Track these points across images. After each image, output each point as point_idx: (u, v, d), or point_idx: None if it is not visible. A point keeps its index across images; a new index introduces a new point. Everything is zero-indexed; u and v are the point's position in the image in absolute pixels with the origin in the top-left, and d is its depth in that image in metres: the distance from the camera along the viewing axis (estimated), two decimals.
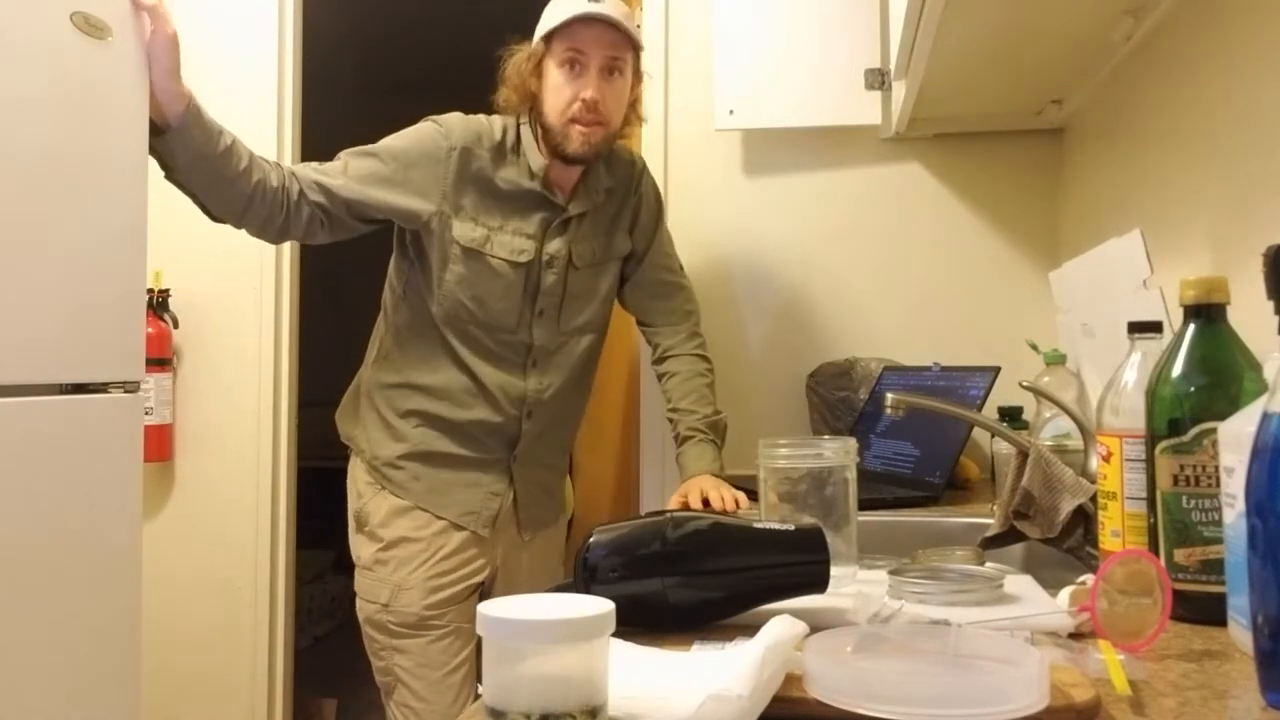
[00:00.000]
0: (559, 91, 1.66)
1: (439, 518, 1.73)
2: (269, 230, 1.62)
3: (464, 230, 1.69)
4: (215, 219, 1.60)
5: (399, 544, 1.72)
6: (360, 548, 1.77)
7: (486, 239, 1.69)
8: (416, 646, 1.70)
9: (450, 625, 1.71)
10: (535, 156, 1.72)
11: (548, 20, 1.68)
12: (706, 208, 2.33)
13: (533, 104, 1.71)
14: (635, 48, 1.71)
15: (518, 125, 1.74)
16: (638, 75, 1.75)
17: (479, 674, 1.97)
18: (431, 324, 1.74)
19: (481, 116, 1.75)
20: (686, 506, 1.61)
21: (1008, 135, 2.23)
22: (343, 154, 1.69)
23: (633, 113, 1.76)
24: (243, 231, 1.64)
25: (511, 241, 1.70)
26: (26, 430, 1.30)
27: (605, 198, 1.81)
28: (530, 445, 1.79)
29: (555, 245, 1.74)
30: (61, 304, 1.35)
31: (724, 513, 1.60)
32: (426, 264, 1.72)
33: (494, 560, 1.78)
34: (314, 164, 1.68)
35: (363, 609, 1.74)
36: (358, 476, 1.80)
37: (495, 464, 1.77)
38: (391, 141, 1.70)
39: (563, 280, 1.75)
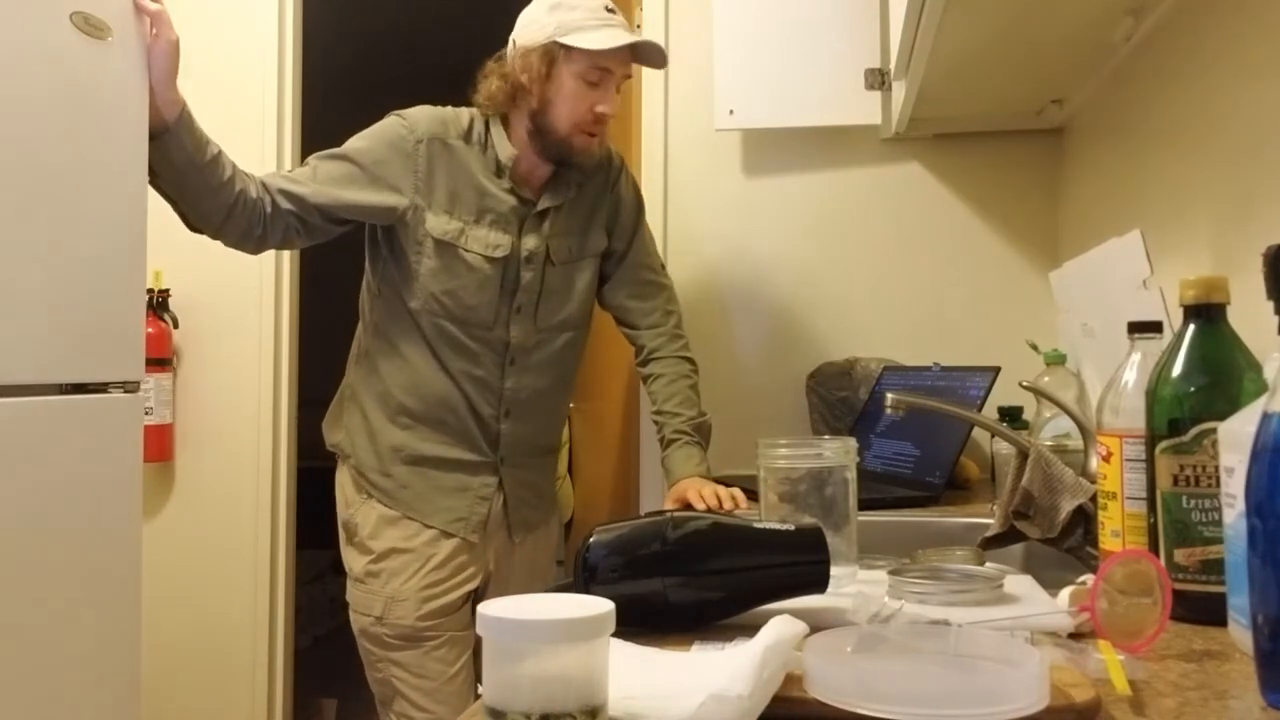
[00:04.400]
0: (576, 100, 1.66)
1: (428, 526, 1.72)
2: (247, 241, 1.63)
3: (437, 223, 1.68)
4: (194, 229, 1.60)
5: (389, 555, 1.71)
6: (351, 560, 1.75)
7: (460, 233, 1.69)
8: (413, 658, 1.69)
9: (445, 635, 1.70)
10: (504, 147, 1.71)
11: (573, 27, 1.63)
12: (706, 208, 2.33)
13: (526, 102, 1.69)
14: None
15: (485, 119, 1.74)
16: None
17: (478, 677, 1.98)
18: (409, 320, 1.73)
19: (448, 108, 1.75)
20: (686, 507, 1.60)
21: (1008, 135, 2.23)
22: (311, 159, 1.69)
23: None
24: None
25: (487, 236, 1.70)
26: (26, 430, 1.30)
27: (577, 192, 1.79)
28: (513, 445, 1.77)
29: (532, 241, 1.73)
30: (61, 304, 1.35)
31: (723, 512, 1.60)
32: (399, 257, 1.72)
33: (485, 565, 1.77)
34: (284, 172, 1.69)
35: (357, 622, 1.73)
36: (345, 484, 1.79)
37: (482, 466, 1.75)
38: (357, 141, 1.70)
39: (540, 276, 1.74)
